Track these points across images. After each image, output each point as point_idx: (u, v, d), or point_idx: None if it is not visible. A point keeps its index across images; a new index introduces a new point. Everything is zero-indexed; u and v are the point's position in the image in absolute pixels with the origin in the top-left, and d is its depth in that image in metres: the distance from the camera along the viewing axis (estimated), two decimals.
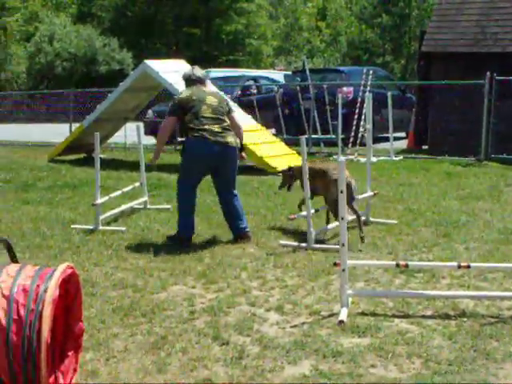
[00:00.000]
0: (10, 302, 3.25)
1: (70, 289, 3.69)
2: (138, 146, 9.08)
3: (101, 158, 8.57)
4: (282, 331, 4.52)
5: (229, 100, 7.58)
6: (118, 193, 8.71)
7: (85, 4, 54.38)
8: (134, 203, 8.76)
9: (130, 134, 16.92)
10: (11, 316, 3.23)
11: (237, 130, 7.29)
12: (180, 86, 12.92)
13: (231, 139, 7.06)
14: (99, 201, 7.70)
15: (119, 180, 11.48)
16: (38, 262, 4.63)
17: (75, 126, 16.58)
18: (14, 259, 3.82)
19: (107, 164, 12.27)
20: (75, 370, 3.78)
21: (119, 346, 4.26)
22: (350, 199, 6.88)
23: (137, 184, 9.05)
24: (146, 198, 8.89)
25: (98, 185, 7.79)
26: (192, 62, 15.01)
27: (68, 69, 42.98)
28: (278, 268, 6.07)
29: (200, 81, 7.33)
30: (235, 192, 7.28)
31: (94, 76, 40.73)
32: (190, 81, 7.35)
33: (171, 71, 13.33)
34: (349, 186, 6.76)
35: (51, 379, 3.47)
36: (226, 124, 7.10)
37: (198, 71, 7.44)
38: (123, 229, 7.58)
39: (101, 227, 7.60)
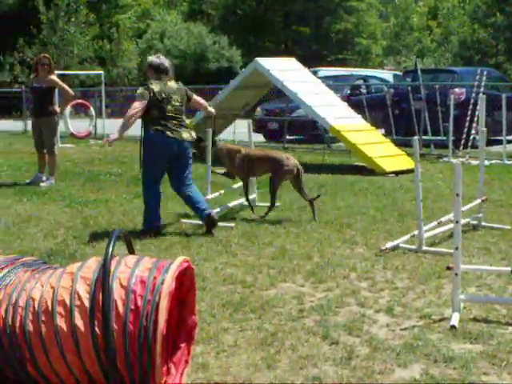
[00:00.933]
0: (128, 292, 3.32)
1: (184, 282, 3.75)
2: (248, 143, 9.13)
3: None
4: (392, 333, 4.45)
5: (186, 88, 7.75)
6: (228, 189, 8.78)
7: (195, 2, 55.33)
8: (244, 200, 8.80)
9: (239, 131, 17.11)
10: (129, 306, 3.30)
11: (202, 106, 8.14)
12: (290, 84, 13.02)
13: (186, 135, 7.42)
14: (210, 196, 7.79)
15: None
16: (148, 255, 4.71)
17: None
18: (131, 251, 3.91)
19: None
20: (187, 362, 3.83)
21: (229, 341, 4.30)
22: (302, 185, 8.10)
23: None
24: (254, 195, 8.93)
25: (209, 180, 7.89)
26: (301, 60, 15.04)
27: (178, 65, 43.72)
28: (388, 270, 5.99)
29: (166, 72, 7.47)
30: (191, 181, 7.54)
31: (203, 73, 41.32)
32: (158, 71, 7.45)
33: (282, 69, 13.38)
34: (299, 172, 8.01)
35: (163, 369, 3.53)
36: (182, 121, 7.45)
37: (166, 61, 7.55)
38: (232, 225, 7.64)
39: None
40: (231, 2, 51.09)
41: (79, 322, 3.33)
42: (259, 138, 16.80)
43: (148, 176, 7.44)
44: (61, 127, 19.55)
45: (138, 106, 7.17)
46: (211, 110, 8.21)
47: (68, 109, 20.51)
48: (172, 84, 7.50)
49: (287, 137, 18.35)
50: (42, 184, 10.67)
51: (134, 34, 47.95)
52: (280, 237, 7.17)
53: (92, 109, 21.25)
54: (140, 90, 7.36)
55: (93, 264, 3.51)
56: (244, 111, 16.14)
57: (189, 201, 7.46)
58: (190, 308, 3.88)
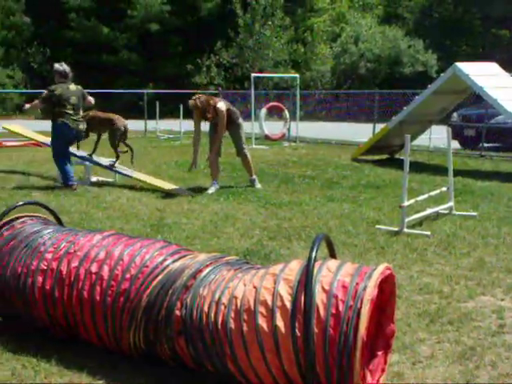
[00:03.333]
0: (329, 296, 3.33)
1: (385, 289, 3.71)
2: (447, 150, 8.92)
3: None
4: None
5: (83, 89, 10.76)
6: (425, 196, 8.61)
7: (391, 5, 54.83)
8: (440, 208, 8.61)
9: (434, 136, 16.77)
10: (330, 310, 3.31)
11: (90, 104, 11.07)
12: (490, 90, 12.59)
13: (82, 126, 10.66)
14: (406, 203, 7.67)
15: (422, 183, 11.37)
16: (342, 259, 4.70)
17: (379, 126, 16.75)
18: (332, 254, 3.92)
19: (410, 166, 12.26)
20: (383, 371, 3.78)
21: (425, 352, 4.21)
22: (125, 137, 11.48)
23: (443, 188, 8.87)
24: (451, 204, 8.71)
25: (405, 187, 7.76)
26: (500, 65, 14.50)
27: (371, 69, 43.60)
28: None
29: (66, 76, 10.56)
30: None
31: (397, 77, 40.88)
32: (62, 76, 10.58)
33: (482, 74, 12.97)
34: (126, 128, 11.45)
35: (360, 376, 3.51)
36: (79, 116, 10.61)
37: (67, 67, 10.61)
38: (428, 233, 7.47)
39: (406, 230, 7.56)
40: (427, 4, 50.19)
41: (280, 322, 3.38)
42: (454, 144, 16.34)
43: (58, 150, 10.65)
44: (255, 129, 20.14)
45: (38, 105, 10.77)
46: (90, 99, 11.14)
47: (263, 111, 20.99)
48: (71, 86, 10.55)
49: (485, 144, 17.75)
50: (257, 186, 10.94)
51: (328, 37, 48.23)
52: (478, 248, 6.93)
53: (286, 111, 21.55)
54: (44, 94, 10.60)
55: (295, 266, 3.55)
56: (440, 117, 15.78)
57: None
58: (388, 316, 3.83)
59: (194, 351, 3.68)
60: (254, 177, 11.04)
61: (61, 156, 10.60)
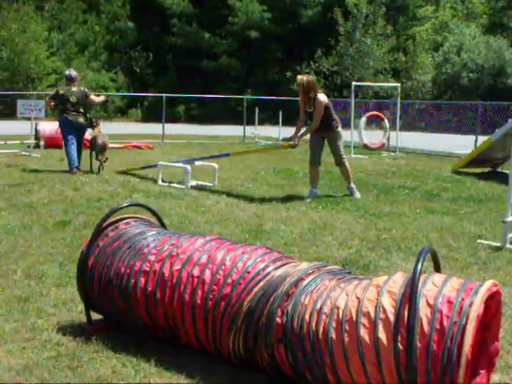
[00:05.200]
0: (434, 311, 3.26)
1: (491, 306, 3.61)
2: None
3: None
4: None
5: (86, 91, 13.43)
6: None
7: (495, 14, 53.64)
8: None
9: None
10: (434, 325, 3.24)
11: (93, 102, 13.97)
12: None
13: (81, 119, 13.12)
14: (509, 218, 7.47)
15: None
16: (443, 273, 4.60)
17: (481, 138, 16.39)
18: (437, 268, 3.85)
19: None
20: None
21: None
22: (102, 151, 13.07)
23: None
24: None
25: (509, 202, 7.55)
26: None
27: (474, 80, 42.76)
28: None
29: (71, 80, 13.17)
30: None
31: (500, 88, 39.97)
32: (68, 79, 13.27)
33: None
34: (105, 145, 13.19)
35: None
36: (80, 111, 13.08)
37: (73, 73, 13.35)
38: None
39: (508, 245, 7.35)
40: None
41: (382, 335, 3.33)
42: None
43: (67, 138, 13.04)
44: (354, 138, 20.02)
45: (48, 101, 13.45)
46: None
47: (363, 120, 20.85)
48: (75, 88, 13.10)
49: None
50: (355, 195, 10.84)
51: (430, 46, 47.54)
52: None
53: (386, 121, 21.33)
54: (52, 93, 13.57)
55: (399, 279, 3.49)
56: None
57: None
58: (493, 334, 3.72)
59: (293, 359, 3.66)
60: (353, 185, 10.93)
61: (66, 143, 13.07)
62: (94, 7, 47.19)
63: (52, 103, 13.20)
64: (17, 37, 38.63)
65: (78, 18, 45.35)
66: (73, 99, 12.94)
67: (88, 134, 13.81)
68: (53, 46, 42.03)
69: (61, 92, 13.05)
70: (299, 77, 10.70)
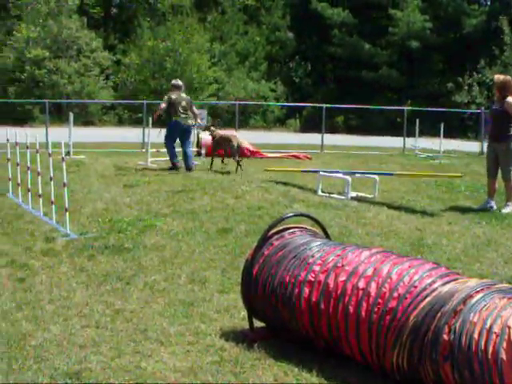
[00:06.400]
0: None
1: None
2: None
3: None
4: None
5: (191, 99, 15.56)
6: None
7: None
8: None
9: None
10: None
11: (194, 113, 15.30)
12: None
13: (190, 121, 15.09)
14: None
15: None
16: None
17: None
18: None
19: None
20: None
21: None
22: (236, 153, 14.95)
23: None
24: None
25: None
26: None
27: None
28: None
29: (179, 87, 15.21)
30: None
31: None
32: (174, 87, 15.26)
33: None
34: (239, 145, 15.21)
35: None
36: (188, 114, 14.97)
37: (179, 82, 15.47)
38: None
39: None
40: None
41: None
42: None
43: (170, 141, 15.10)
44: None
45: (162, 105, 14.93)
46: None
47: None
48: (182, 94, 15.10)
49: None
50: (503, 210, 10.40)
51: None
52: None
53: None
54: (164, 98, 15.15)
55: None
56: None
57: (184, 156, 14.98)
58: None
59: (459, 378, 3.58)
60: (510, 203, 10.55)
61: (169, 144, 15.14)
62: (255, 18, 48.13)
63: (163, 105, 14.94)
64: (180, 47, 40.00)
65: (238, 29, 46.40)
66: (183, 103, 14.93)
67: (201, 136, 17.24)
68: (214, 57, 43.25)
69: (173, 97, 14.90)
70: (496, 75, 10.98)
